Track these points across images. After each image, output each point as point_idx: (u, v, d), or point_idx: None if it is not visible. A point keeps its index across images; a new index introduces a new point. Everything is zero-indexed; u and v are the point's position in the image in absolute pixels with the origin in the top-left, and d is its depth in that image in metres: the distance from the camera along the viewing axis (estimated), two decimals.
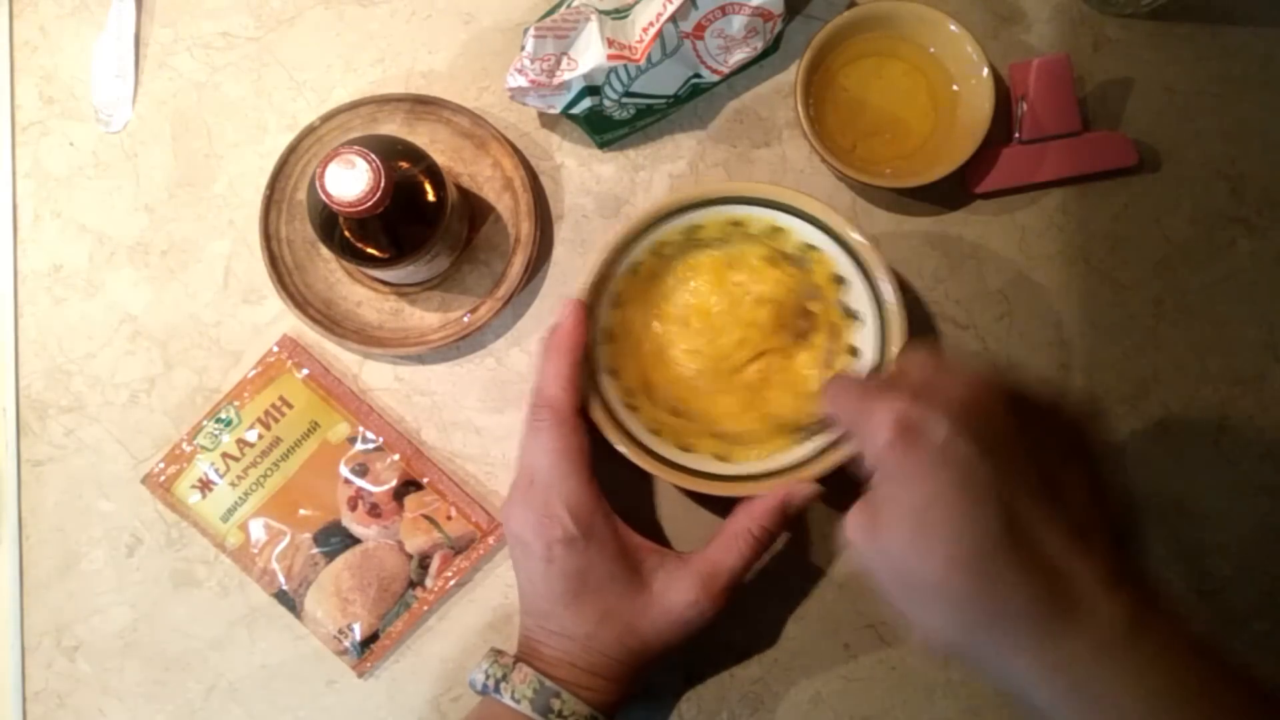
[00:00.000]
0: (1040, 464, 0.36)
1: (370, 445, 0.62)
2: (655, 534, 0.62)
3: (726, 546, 0.53)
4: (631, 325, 0.59)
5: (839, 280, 0.57)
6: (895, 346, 0.55)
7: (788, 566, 0.61)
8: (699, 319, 0.59)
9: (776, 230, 0.57)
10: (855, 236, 0.55)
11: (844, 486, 0.61)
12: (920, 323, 0.61)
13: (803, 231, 0.57)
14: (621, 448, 0.55)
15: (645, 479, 0.62)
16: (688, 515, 0.62)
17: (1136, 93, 0.63)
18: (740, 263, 0.59)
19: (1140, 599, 0.35)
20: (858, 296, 0.56)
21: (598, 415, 0.55)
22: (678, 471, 0.56)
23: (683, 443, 0.57)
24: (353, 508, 0.61)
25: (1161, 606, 0.36)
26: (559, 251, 0.63)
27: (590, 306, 0.56)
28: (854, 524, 0.38)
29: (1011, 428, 0.36)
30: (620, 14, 0.59)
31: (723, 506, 0.61)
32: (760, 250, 0.59)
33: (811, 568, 0.61)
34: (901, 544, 0.36)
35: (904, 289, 0.55)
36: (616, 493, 0.62)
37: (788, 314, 0.59)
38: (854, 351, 0.57)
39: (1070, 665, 0.35)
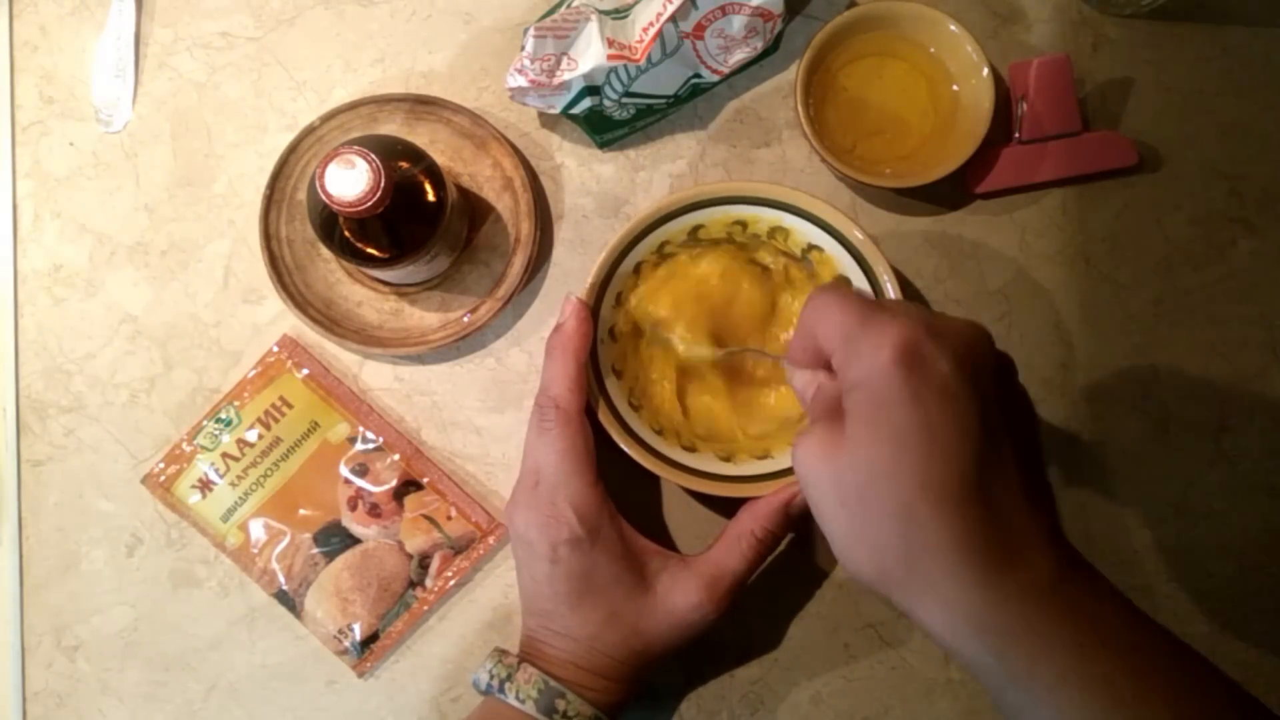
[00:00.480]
0: (1008, 421, 0.37)
1: (370, 445, 0.62)
2: (658, 534, 0.62)
3: (730, 549, 0.53)
4: (634, 325, 0.59)
5: (841, 280, 0.57)
6: None
7: (788, 566, 0.61)
8: (701, 317, 0.59)
9: (779, 230, 0.57)
10: (858, 236, 0.55)
11: None
12: None
13: (806, 231, 0.57)
14: (625, 447, 0.55)
15: (649, 479, 0.62)
16: (691, 515, 0.62)
17: (1136, 93, 0.63)
18: (743, 262, 0.59)
19: (1073, 556, 0.37)
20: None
21: (602, 415, 0.55)
22: (681, 471, 0.56)
23: (686, 442, 0.57)
24: (353, 508, 0.61)
25: (1089, 565, 0.38)
26: (559, 251, 0.63)
27: (593, 306, 0.56)
28: (812, 444, 0.38)
29: (993, 381, 0.37)
30: (620, 14, 0.59)
31: (726, 506, 0.61)
32: (763, 250, 0.59)
33: (811, 568, 0.62)
34: (869, 463, 0.36)
35: (904, 289, 0.55)
36: (620, 493, 0.62)
37: (785, 308, 0.59)
38: None
39: (1000, 607, 0.35)
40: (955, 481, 0.35)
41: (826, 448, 0.37)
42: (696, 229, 0.57)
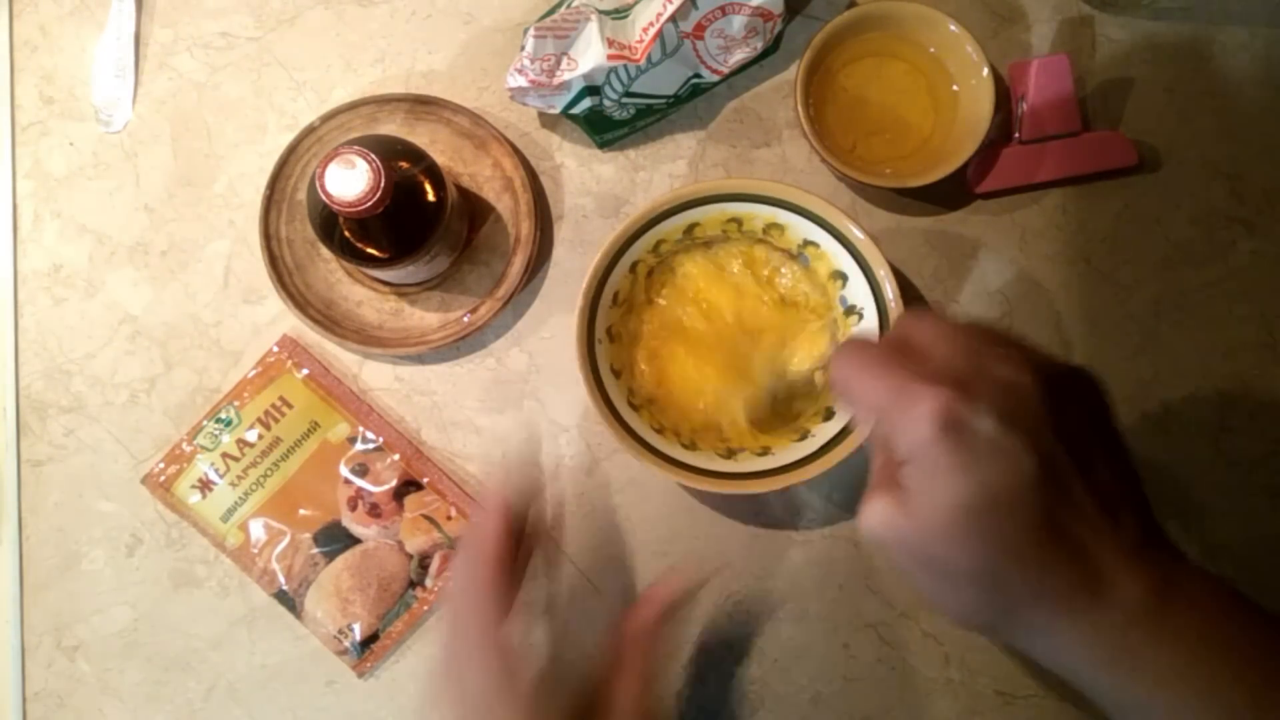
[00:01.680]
0: (1070, 441, 0.36)
1: (370, 445, 0.62)
2: (659, 533, 0.62)
3: (625, 687, 0.48)
4: (632, 323, 0.59)
5: (839, 276, 0.57)
6: None
7: (788, 567, 0.61)
8: (698, 316, 0.59)
9: (775, 227, 0.57)
10: (855, 232, 0.55)
11: (843, 482, 0.61)
12: None
13: (802, 228, 0.57)
14: (626, 449, 0.55)
15: (648, 477, 0.62)
16: (693, 516, 0.62)
17: (1136, 93, 0.63)
18: (739, 259, 0.59)
19: (1165, 567, 0.36)
20: (858, 292, 0.56)
21: (602, 416, 0.55)
22: (682, 470, 0.56)
23: (686, 440, 0.57)
24: (353, 508, 0.61)
25: (1188, 568, 0.37)
26: (559, 251, 0.63)
27: (590, 306, 0.56)
28: (877, 513, 0.38)
29: (1044, 407, 0.36)
30: (620, 14, 0.59)
31: (729, 504, 0.61)
32: (759, 247, 0.59)
33: (811, 568, 0.61)
34: (936, 534, 0.36)
35: (904, 289, 0.55)
36: (620, 493, 0.62)
37: (784, 309, 0.59)
38: None
39: (1103, 637, 0.36)
40: (1026, 535, 0.35)
41: (892, 516, 0.37)
42: (692, 227, 0.57)
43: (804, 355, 0.59)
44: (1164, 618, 0.35)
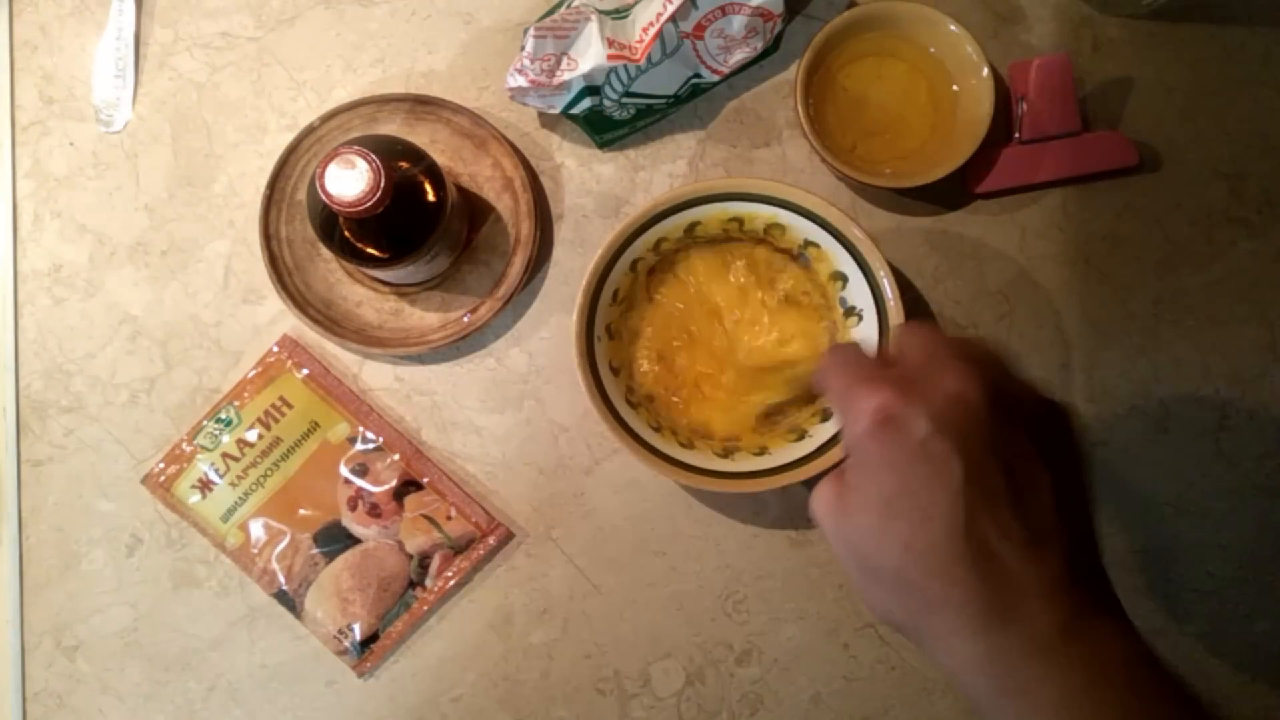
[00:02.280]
0: (1012, 465, 0.36)
1: (370, 445, 0.62)
2: (659, 534, 0.62)
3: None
4: (632, 321, 0.59)
5: (839, 277, 0.57)
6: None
7: (788, 567, 0.61)
8: (698, 315, 0.59)
9: (776, 227, 0.57)
10: (855, 232, 0.55)
11: None
12: None
13: (802, 228, 0.57)
14: (625, 446, 0.55)
15: (648, 476, 0.62)
16: (691, 515, 0.62)
17: (1136, 93, 0.63)
18: (740, 259, 0.59)
19: (1079, 608, 0.36)
20: (858, 293, 0.56)
21: (600, 413, 0.55)
22: (680, 469, 0.56)
23: (684, 439, 0.57)
24: (353, 508, 0.61)
25: (1104, 614, 0.37)
26: (559, 251, 0.63)
27: (590, 304, 0.56)
28: (821, 500, 0.39)
29: (990, 426, 0.36)
30: (620, 14, 0.59)
31: (725, 503, 0.61)
32: (760, 247, 0.59)
33: (811, 569, 0.61)
34: (863, 528, 0.37)
35: (904, 289, 0.55)
36: (617, 492, 0.62)
37: (785, 309, 0.59)
38: None
39: (999, 659, 0.36)
40: (942, 543, 0.36)
41: (832, 502, 0.39)
42: (693, 226, 0.57)
43: (804, 355, 0.59)
44: (1063, 657, 0.35)
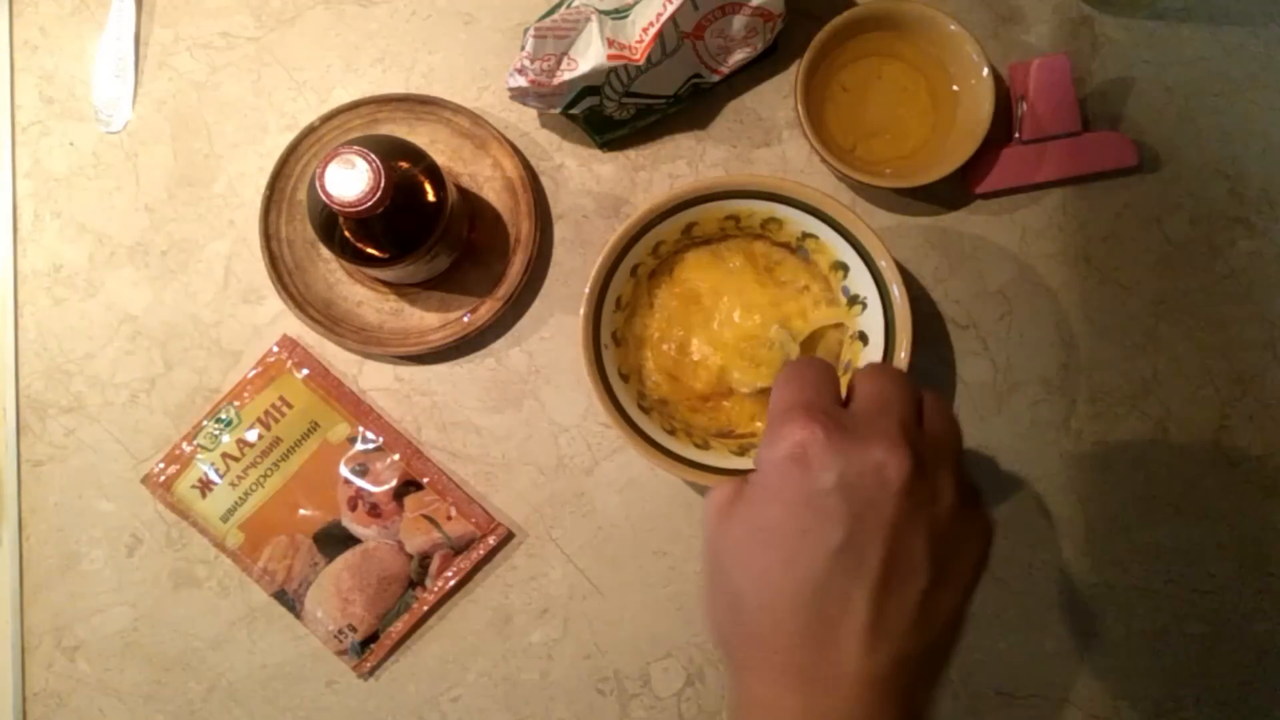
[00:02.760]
0: (896, 554, 0.35)
1: (370, 445, 0.62)
2: (658, 533, 0.62)
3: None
4: (636, 329, 0.59)
5: (840, 266, 0.57)
6: (901, 330, 0.55)
7: None
8: (699, 315, 0.59)
9: (773, 221, 0.57)
10: (852, 220, 0.55)
11: None
12: (922, 323, 0.61)
13: (800, 221, 0.57)
14: (641, 452, 0.55)
15: (648, 477, 0.62)
16: (689, 514, 0.62)
17: (1136, 93, 0.63)
18: (739, 255, 0.59)
19: (878, 709, 0.35)
20: (860, 281, 0.56)
21: (612, 420, 0.55)
22: (697, 470, 0.55)
23: (700, 440, 0.57)
24: (353, 508, 0.61)
25: None
26: (559, 251, 0.63)
27: (594, 312, 0.56)
28: (714, 500, 0.39)
29: (894, 509, 0.35)
30: (620, 14, 0.59)
31: None
32: (758, 243, 0.59)
33: None
34: (734, 543, 0.37)
35: (905, 285, 0.55)
36: (618, 493, 0.62)
37: (786, 302, 0.59)
38: (862, 337, 0.57)
39: (784, 717, 0.36)
40: (790, 591, 0.35)
41: (722, 505, 0.38)
42: (690, 226, 0.57)
43: (815, 349, 0.59)
44: None
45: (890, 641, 0.35)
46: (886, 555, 0.35)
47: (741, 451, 0.57)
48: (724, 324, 0.58)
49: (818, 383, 0.39)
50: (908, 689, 0.36)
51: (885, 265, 0.55)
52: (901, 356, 0.55)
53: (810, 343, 0.59)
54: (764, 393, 0.58)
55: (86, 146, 0.65)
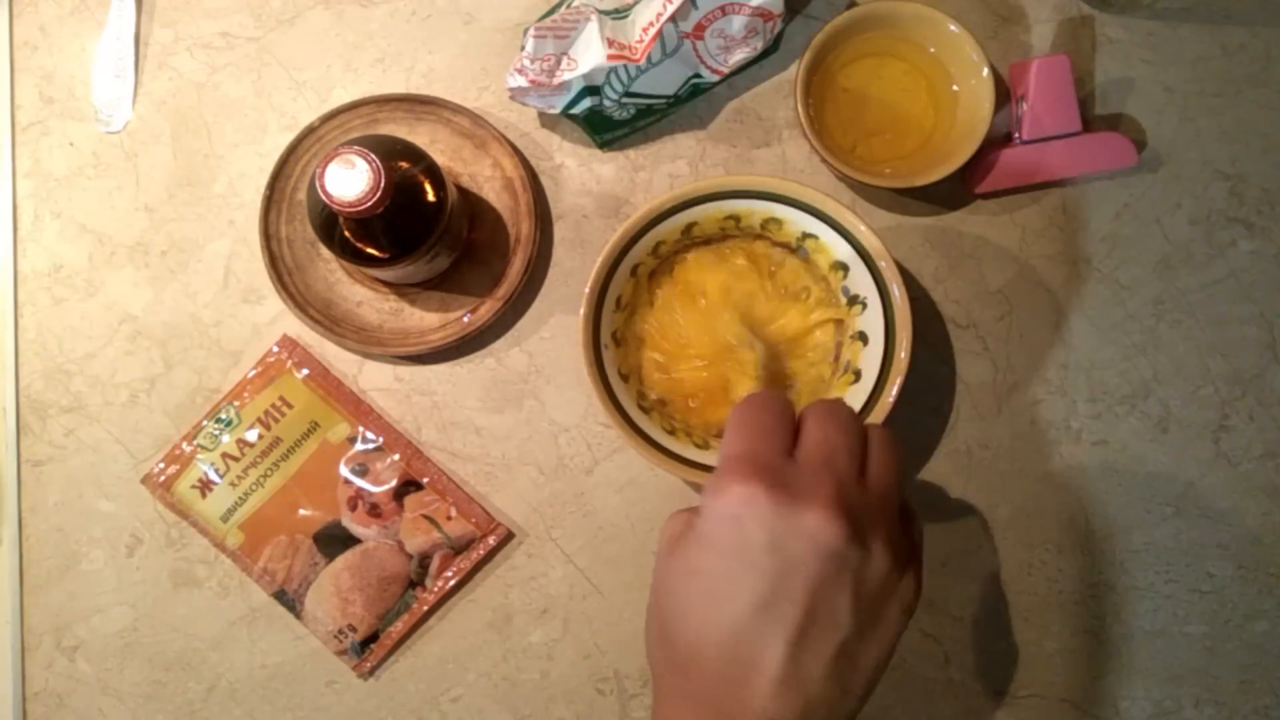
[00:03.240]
0: (816, 611, 0.37)
1: (370, 445, 0.62)
2: (657, 533, 0.62)
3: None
4: (636, 328, 0.59)
5: (840, 267, 0.57)
6: (901, 329, 0.55)
7: None
8: (700, 315, 0.59)
9: (773, 221, 0.57)
10: (853, 221, 0.55)
11: None
12: (921, 323, 0.61)
13: (800, 221, 0.57)
14: (641, 452, 0.55)
15: (648, 477, 0.62)
16: None
17: (1136, 93, 0.63)
18: (739, 255, 0.59)
19: None
20: (860, 282, 0.56)
21: (612, 420, 0.55)
22: (696, 469, 0.55)
23: (700, 440, 0.57)
24: (353, 508, 0.61)
25: None
26: (559, 251, 0.63)
27: (594, 312, 0.56)
28: (667, 531, 0.41)
29: (820, 572, 0.37)
30: (620, 14, 0.59)
31: None
32: (758, 243, 0.59)
33: None
34: (673, 576, 0.40)
35: (905, 285, 0.55)
36: (618, 493, 0.62)
37: (787, 302, 0.59)
38: (862, 337, 0.57)
39: None
40: (710, 633, 0.38)
41: (672, 538, 0.41)
42: (690, 226, 0.57)
43: (807, 348, 0.59)
44: None
45: (800, 691, 0.37)
46: (807, 610, 0.37)
47: None
48: (725, 325, 0.58)
49: (768, 431, 0.40)
50: None
51: (885, 265, 0.55)
52: (901, 356, 0.55)
53: (798, 342, 0.59)
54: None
55: (86, 146, 0.65)
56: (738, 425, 0.41)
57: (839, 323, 0.59)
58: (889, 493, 0.40)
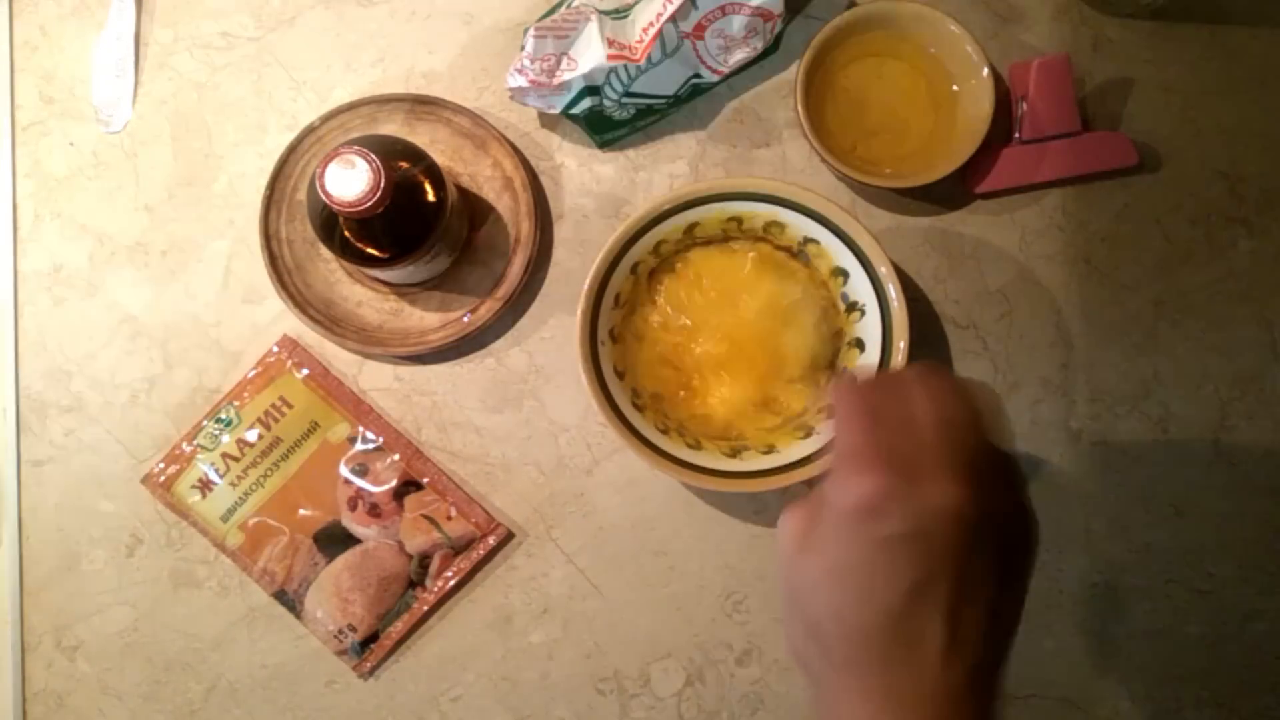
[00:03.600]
0: (963, 576, 0.38)
1: (370, 445, 0.62)
2: (658, 533, 0.62)
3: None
4: (634, 325, 0.59)
5: (840, 273, 0.57)
6: (899, 337, 0.55)
7: None
8: (699, 315, 0.59)
9: (775, 225, 0.57)
10: (855, 228, 0.55)
11: None
12: (921, 323, 0.61)
13: (802, 225, 0.57)
14: (631, 448, 0.55)
15: (648, 477, 0.62)
16: (690, 515, 0.62)
17: (1136, 93, 0.63)
18: (738, 259, 0.59)
19: (962, 711, 0.39)
20: (859, 288, 0.56)
21: (606, 417, 0.55)
22: (688, 469, 0.55)
23: (692, 440, 0.57)
24: (353, 508, 0.61)
25: None
26: (559, 252, 0.63)
27: (593, 309, 0.56)
28: (787, 530, 0.41)
29: (960, 544, 0.38)
30: (620, 14, 0.59)
31: (729, 503, 0.61)
32: (760, 245, 0.59)
33: None
34: (810, 577, 0.40)
35: (904, 288, 0.55)
36: (617, 493, 0.62)
37: (787, 304, 0.59)
38: (859, 344, 0.57)
39: None
40: (869, 625, 0.38)
41: (795, 538, 0.41)
42: (692, 227, 0.57)
43: (806, 350, 0.59)
44: None
45: (964, 655, 0.38)
46: (955, 582, 0.38)
47: (733, 454, 0.57)
48: (732, 323, 0.59)
49: (876, 413, 0.40)
50: (983, 689, 0.39)
51: (884, 271, 0.55)
52: (898, 361, 0.55)
53: (794, 314, 0.59)
54: (763, 400, 0.58)
55: (86, 146, 0.65)
56: (847, 412, 0.41)
57: (837, 331, 0.59)
58: (997, 447, 0.41)
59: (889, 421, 0.40)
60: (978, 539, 0.38)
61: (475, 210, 0.62)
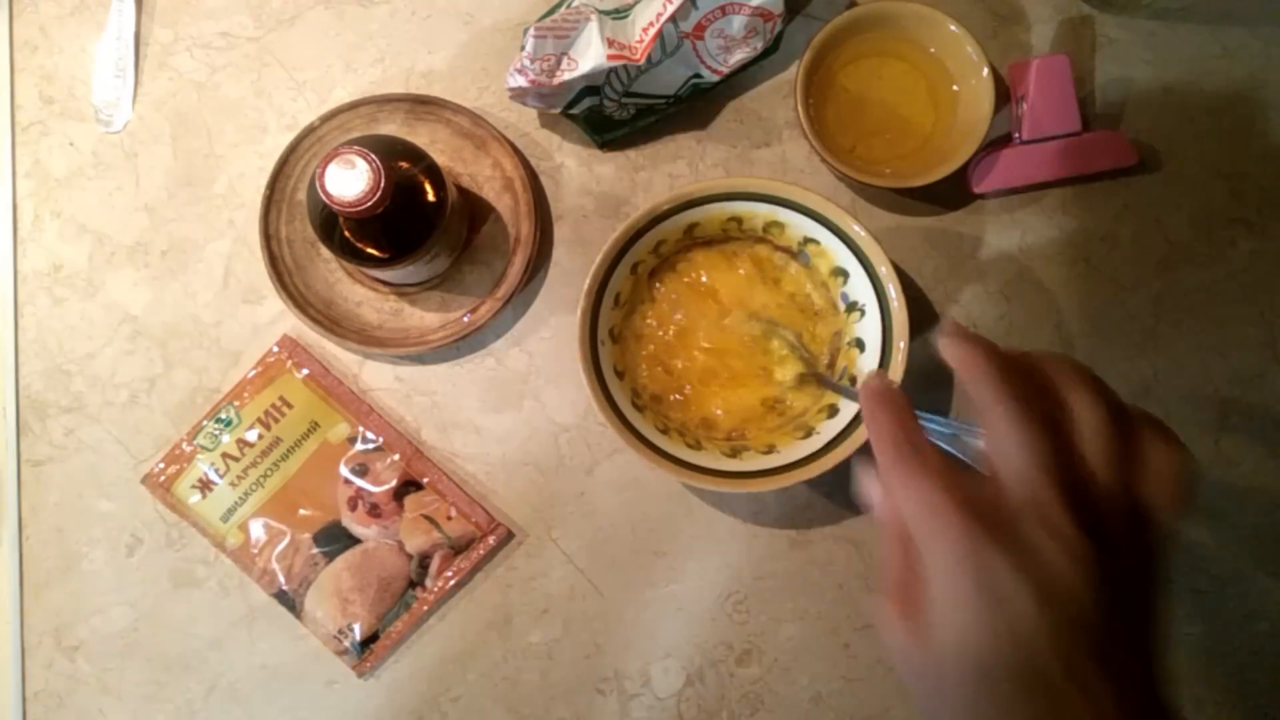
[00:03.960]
0: (1111, 635, 0.35)
1: (370, 445, 0.62)
2: (658, 533, 0.62)
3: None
4: (634, 325, 0.59)
5: (840, 273, 0.57)
6: (899, 337, 0.55)
7: (788, 566, 0.61)
8: (699, 315, 0.59)
9: (775, 225, 0.57)
10: (855, 228, 0.55)
11: (844, 482, 0.61)
12: (921, 323, 0.61)
13: (802, 225, 0.57)
14: (631, 448, 0.55)
15: (648, 477, 0.62)
16: (690, 516, 0.62)
17: (1136, 93, 0.63)
18: (739, 258, 0.59)
19: None
20: (859, 288, 0.56)
21: (606, 417, 0.55)
22: (688, 469, 0.55)
23: (692, 440, 0.57)
24: (353, 508, 0.61)
25: None
26: (559, 252, 0.63)
27: (592, 308, 0.56)
28: (894, 631, 0.38)
29: (1092, 601, 0.35)
30: (620, 14, 0.59)
31: (729, 503, 0.61)
32: (760, 246, 0.59)
33: (811, 568, 0.61)
34: (947, 676, 0.36)
35: (904, 288, 0.55)
36: (617, 493, 0.62)
37: (787, 305, 0.59)
38: (859, 344, 0.57)
39: None
40: (1024, 676, 0.35)
41: (907, 639, 0.37)
42: (692, 227, 0.57)
43: (791, 367, 0.59)
44: None
45: (1131, 693, 0.35)
46: (1093, 645, 0.35)
47: (733, 454, 0.57)
48: (738, 321, 0.59)
49: (947, 471, 0.37)
50: (1142, 706, 0.36)
51: (885, 271, 0.55)
52: (898, 360, 0.55)
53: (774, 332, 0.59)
54: (766, 402, 0.58)
55: (86, 146, 0.65)
56: (912, 475, 0.37)
57: (836, 332, 0.59)
58: (1114, 476, 0.38)
59: (966, 480, 0.36)
60: (1106, 588, 0.35)
61: (475, 210, 0.62)
